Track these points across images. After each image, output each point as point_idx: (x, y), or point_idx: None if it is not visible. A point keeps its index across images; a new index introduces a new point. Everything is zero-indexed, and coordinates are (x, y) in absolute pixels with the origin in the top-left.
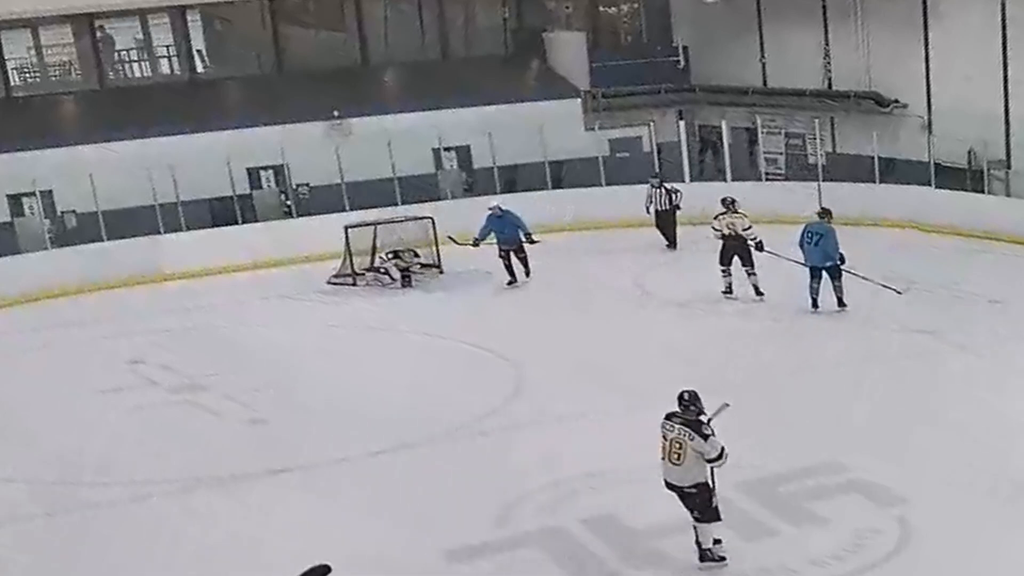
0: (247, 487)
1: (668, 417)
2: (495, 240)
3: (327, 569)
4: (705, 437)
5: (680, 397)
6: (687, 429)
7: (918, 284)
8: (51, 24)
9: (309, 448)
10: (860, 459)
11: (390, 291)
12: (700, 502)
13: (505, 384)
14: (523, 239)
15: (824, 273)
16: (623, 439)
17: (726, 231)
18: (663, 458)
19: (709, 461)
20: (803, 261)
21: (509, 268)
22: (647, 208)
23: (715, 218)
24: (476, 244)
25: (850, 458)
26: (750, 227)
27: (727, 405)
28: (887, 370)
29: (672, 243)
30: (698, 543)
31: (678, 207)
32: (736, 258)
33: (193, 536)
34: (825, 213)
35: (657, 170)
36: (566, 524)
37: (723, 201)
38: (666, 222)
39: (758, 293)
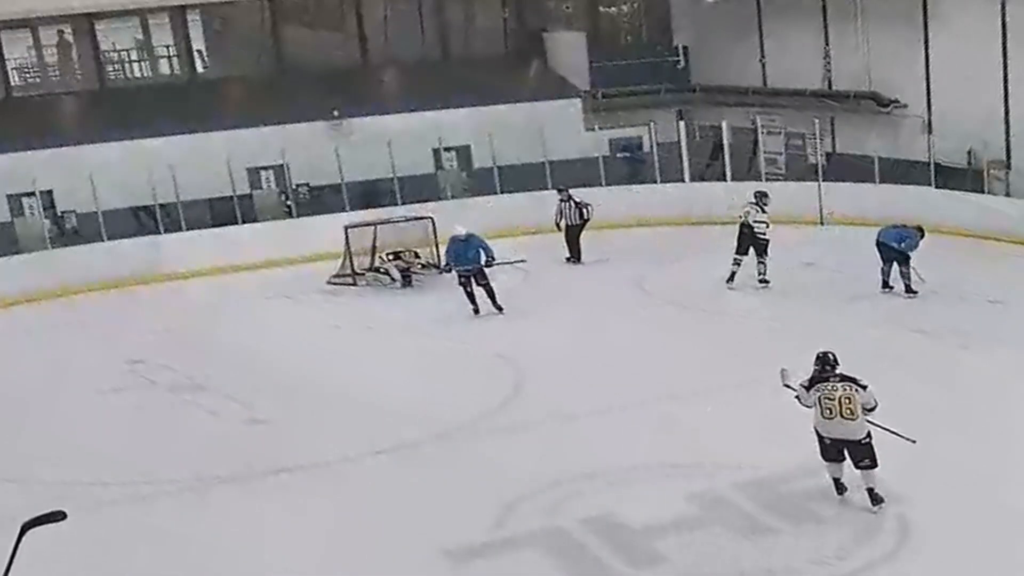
0: (247, 487)
1: (822, 380)
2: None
3: (62, 515)
4: (866, 388)
5: (824, 358)
6: (851, 383)
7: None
8: (51, 24)
9: (309, 448)
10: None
11: (390, 291)
12: (870, 450)
13: (505, 384)
14: (484, 264)
15: (897, 257)
16: (623, 439)
17: (741, 217)
18: (831, 416)
19: (869, 410)
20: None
21: (470, 296)
22: (557, 223)
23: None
24: (447, 271)
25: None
26: (763, 223)
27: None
28: (887, 370)
29: (576, 257)
30: (870, 490)
31: (587, 221)
32: (751, 249)
33: (193, 536)
34: (920, 231)
35: (562, 186)
36: (566, 524)
37: (755, 192)
38: (573, 236)
39: (762, 281)
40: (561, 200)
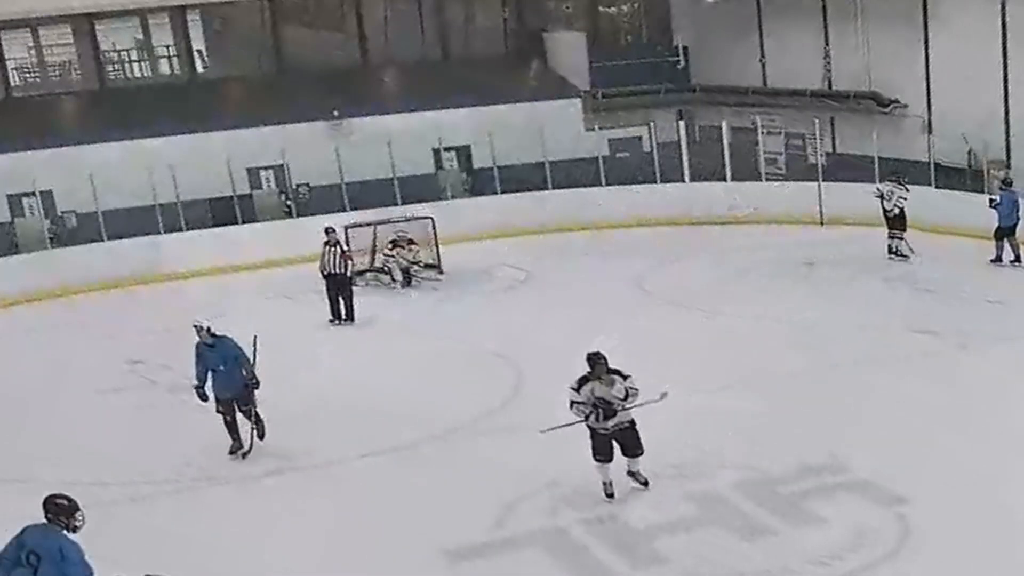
0: (247, 487)
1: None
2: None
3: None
4: (626, 378)
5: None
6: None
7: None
8: (51, 24)
9: (309, 448)
10: (860, 459)
11: (390, 291)
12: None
13: (505, 384)
14: (248, 383)
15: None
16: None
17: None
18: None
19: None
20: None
21: (232, 429)
22: (321, 271)
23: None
24: (201, 396)
25: (850, 458)
26: (897, 199)
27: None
28: (887, 370)
29: (348, 315)
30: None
31: (351, 275)
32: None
33: (193, 536)
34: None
35: (332, 227)
36: (566, 524)
37: (893, 172)
38: (338, 286)
39: (894, 253)
40: (326, 244)
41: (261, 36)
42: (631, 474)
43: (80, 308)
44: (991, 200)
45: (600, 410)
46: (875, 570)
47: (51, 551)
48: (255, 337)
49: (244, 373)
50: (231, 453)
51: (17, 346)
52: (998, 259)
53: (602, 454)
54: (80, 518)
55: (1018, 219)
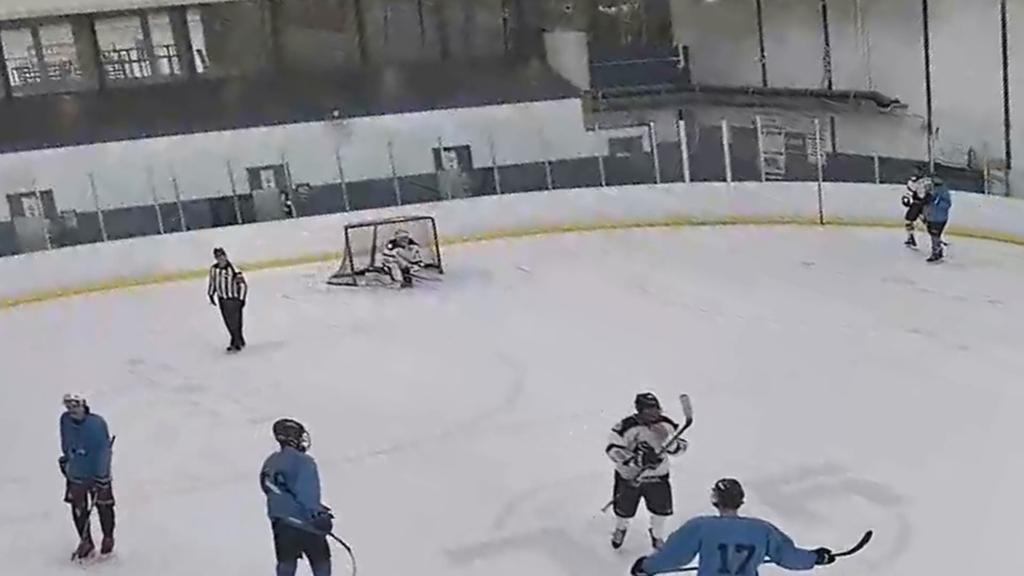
0: (247, 487)
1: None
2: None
3: None
4: (676, 426)
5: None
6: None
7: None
8: (51, 24)
9: (309, 448)
10: (860, 459)
11: (390, 291)
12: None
13: (505, 384)
14: (97, 479)
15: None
16: None
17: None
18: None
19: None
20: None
21: (80, 524)
22: (211, 296)
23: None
24: (63, 472)
25: (850, 458)
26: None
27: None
28: (887, 370)
29: (237, 342)
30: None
31: (244, 300)
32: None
33: (194, 537)
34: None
35: (222, 249)
36: (566, 524)
37: (918, 165)
38: (230, 312)
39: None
40: (216, 267)
41: (261, 36)
42: (652, 537)
43: (80, 308)
44: (927, 196)
45: (641, 456)
46: (875, 570)
47: (292, 469)
48: (113, 437)
49: (100, 466)
50: (72, 557)
51: (17, 346)
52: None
53: (624, 509)
54: (307, 439)
55: (946, 217)
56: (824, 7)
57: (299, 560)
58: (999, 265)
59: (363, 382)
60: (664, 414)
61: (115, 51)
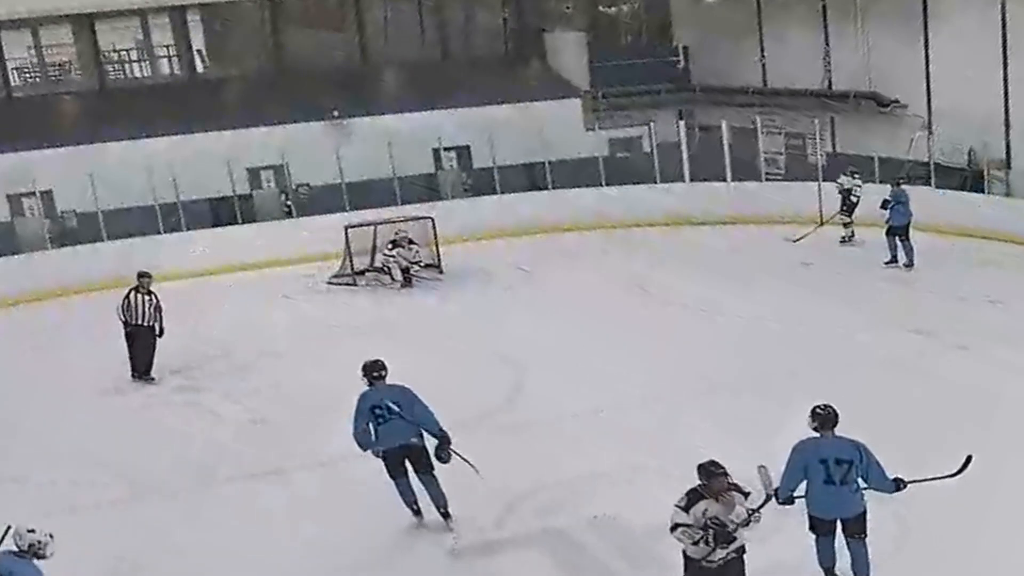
0: (248, 488)
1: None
2: None
3: None
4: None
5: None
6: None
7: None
8: (51, 24)
9: (309, 448)
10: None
11: (390, 291)
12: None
13: (505, 384)
14: None
15: (903, 232)
16: (623, 439)
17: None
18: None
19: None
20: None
21: None
22: (124, 319)
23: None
24: None
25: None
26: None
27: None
28: (886, 370)
29: (144, 373)
30: None
31: (162, 331)
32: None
33: (194, 537)
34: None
35: (148, 273)
36: (566, 524)
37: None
38: (145, 341)
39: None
40: (136, 290)
41: (261, 36)
42: None
43: (80, 308)
44: (884, 201)
45: (712, 534)
46: (875, 570)
47: (403, 399)
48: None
49: None
50: None
51: (17, 346)
52: (893, 259)
53: None
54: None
55: (910, 218)
56: (824, 7)
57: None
58: (999, 265)
59: (363, 382)
60: (732, 481)
61: (115, 51)
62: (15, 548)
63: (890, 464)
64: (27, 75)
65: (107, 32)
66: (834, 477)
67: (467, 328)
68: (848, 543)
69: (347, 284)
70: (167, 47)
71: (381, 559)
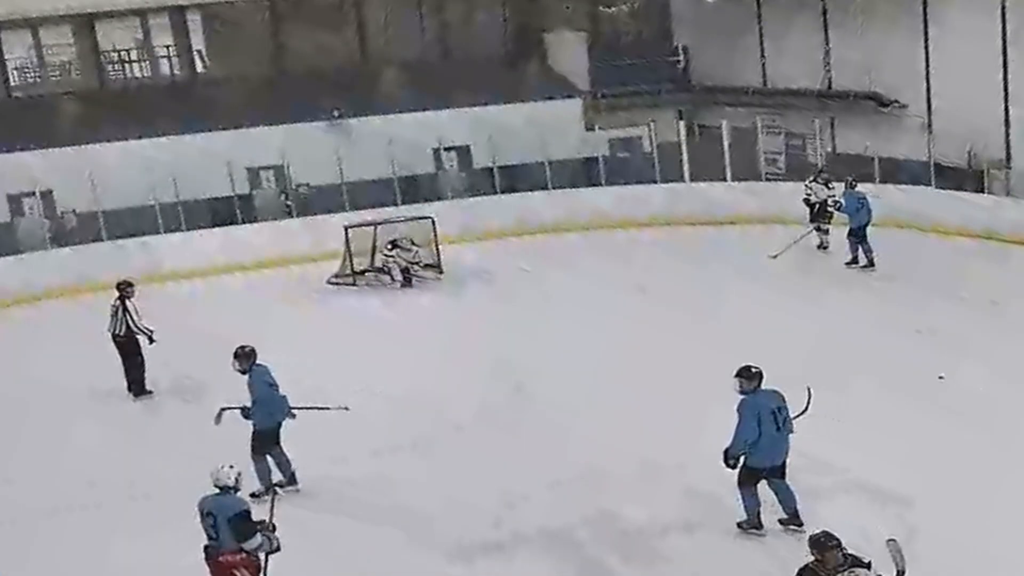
0: (247, 487)
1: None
2: None
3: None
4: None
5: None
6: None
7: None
8: (51, 24)
9: (309, 448)
10: (860, 459)
11: (390, 291)
12: None
13: (505, 384)
14: None
15: (861, 233)
16: (623, 439)
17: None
18: None
19: None
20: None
21: None
22: (114, 334)
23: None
24: None
25: (850, 458)
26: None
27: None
28: (887, 370)
29: (137, 388)
30: None
31: (147, 338)
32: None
33: (195, 537)
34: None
35: (131, 282)
36: (566, 524)
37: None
38: (130, 354)
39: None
40: (122, 299)
41: (261, 36)
42: None
43: (80, 308)
44: (837, 203)
45: None
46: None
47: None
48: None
49: None
50: None
51: (17, 346)
52: (853, 260)
53: None
54: None
55: (869, 219)
56: (824, 7)
57: None
58: (999, 265)
59: (362, 382)
60: (850, 552)
61: (115, 51)
62: (216, 489)
63: (892, 463)
64: (27, 75)
65: (107, 32)
66: (780, 425)
67: (467, 328)
68: (774, 484)
69: (347, 284)
70: (167, 47)
71: (381, 558)
